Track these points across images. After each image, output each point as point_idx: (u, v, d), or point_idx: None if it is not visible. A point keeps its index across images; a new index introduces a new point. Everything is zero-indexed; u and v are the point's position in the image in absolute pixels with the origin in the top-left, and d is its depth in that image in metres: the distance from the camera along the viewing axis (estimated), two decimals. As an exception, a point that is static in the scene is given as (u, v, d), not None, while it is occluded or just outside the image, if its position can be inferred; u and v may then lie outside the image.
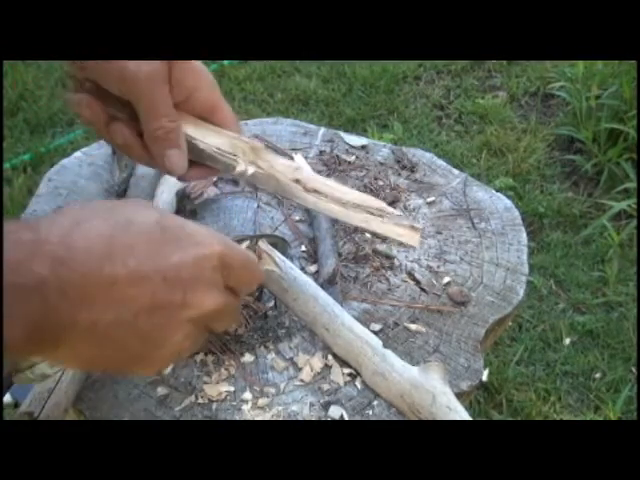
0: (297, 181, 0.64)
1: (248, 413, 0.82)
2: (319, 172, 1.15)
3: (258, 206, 1.10)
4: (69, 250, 0.40)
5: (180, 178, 0.68)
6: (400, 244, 0.67)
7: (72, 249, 0.40)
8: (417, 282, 0.99)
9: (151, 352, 0.46)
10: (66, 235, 0.40)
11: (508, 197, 1.14)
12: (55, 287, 0.39)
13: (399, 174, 1.17)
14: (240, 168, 0.65)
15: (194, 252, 0.46)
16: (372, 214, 0.66)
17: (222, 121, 0.65)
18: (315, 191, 0.64)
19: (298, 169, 0.64)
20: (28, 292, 0.38)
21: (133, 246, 0.43)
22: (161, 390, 0.85)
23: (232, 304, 0.51)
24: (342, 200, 0.64)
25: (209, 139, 0.64)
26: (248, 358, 0.88)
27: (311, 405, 0.83)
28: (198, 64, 0.60)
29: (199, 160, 0.65)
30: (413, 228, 0.66)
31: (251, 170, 0.65)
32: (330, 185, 0.65)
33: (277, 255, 0.89)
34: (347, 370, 0.86)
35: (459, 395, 0.83)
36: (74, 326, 0.40)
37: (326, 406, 0.82)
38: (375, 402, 0.83)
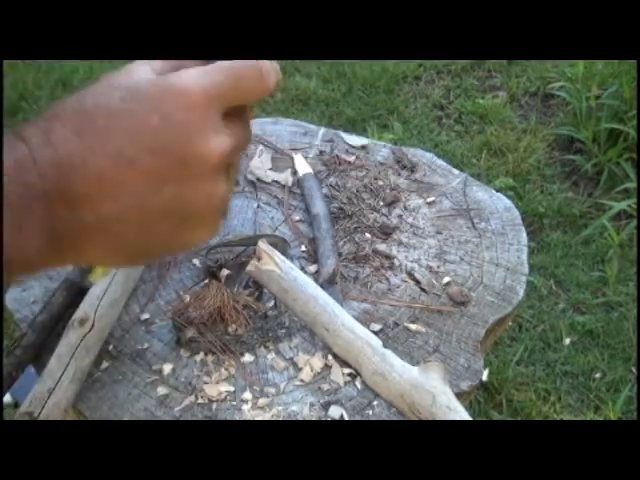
0: None
1: (248, 413, 0.82)
2: (319, 172, 1.16)
3: (258, 206, 1.10)
4: (51, 151, 0.38)
5: None
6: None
7: (51, 151, 0.38)
8: (417, 282, 0.99)
9: (184, 226, 0.42)
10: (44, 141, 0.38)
11: (508, 197, 1.14)
12: (54, 191, 0.37)
13: (399, 174, 1.17)
14: None
15: (170, 107, 0.40)
16: None
17: None
18: None
19: None
20: (30, 201, 0.37)
21: (104, 130, 0.39)
22: (161, 390, 0.85)
23: (241, 130, 0.44)
24: None
25: None
26: (248, 358, 0.88)
27: (311, 405, 0.83)
28: None
29: None
30: None
31: None
32: None
33: (277, 255, 0.89)
34: (347, 370, 0.86)
35: (459, 395, 0.83)
36: (84, 228, 0.39)
37: (326, 406, 0.82)
38: (375, 402, 0.83)
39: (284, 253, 0.93)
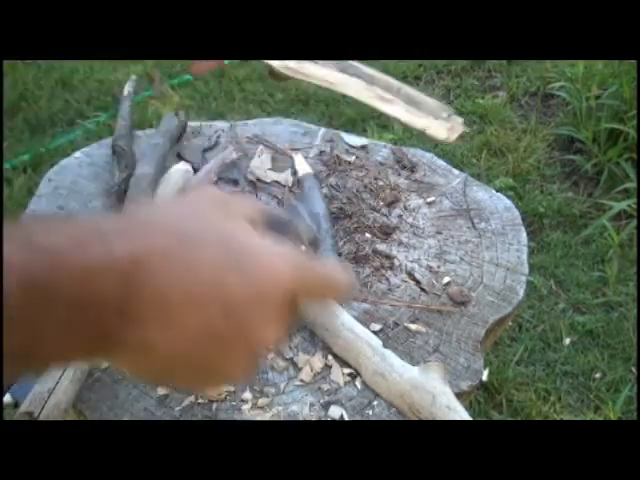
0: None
1: (248, 413, 0.82)
2: (319, 172, 1.16)
3: (258, 206, 1.10)
4: (135, 265, 0.36)
5: None
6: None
7: (139, 264, 0.36)
8: (417, 282, 0.99)
9: (199, 380, 0.43)
10: (133, 249, 0.37)
11: (508, 197, 1.14)
12: (114, 306, 0.36)
13: (399, 174, 1.17)
14: None
15: (259, 284, 0.40)
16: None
17: None
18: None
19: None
20: (88, 307, 0.36)
21: (193, 266, 0.38)
22: (161, 390, 0.85)
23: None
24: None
25: None
26: (248, 358, 0.88)
27: (311, 405, 0.83)
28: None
29: None
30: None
31: None
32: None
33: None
34: (347, 370, 0.86)
35: (459, 395, 0.83)
36: (124, 343, 0.38)
37: (326, 406, 0.82)
38: (375, 402, 0.83)
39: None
